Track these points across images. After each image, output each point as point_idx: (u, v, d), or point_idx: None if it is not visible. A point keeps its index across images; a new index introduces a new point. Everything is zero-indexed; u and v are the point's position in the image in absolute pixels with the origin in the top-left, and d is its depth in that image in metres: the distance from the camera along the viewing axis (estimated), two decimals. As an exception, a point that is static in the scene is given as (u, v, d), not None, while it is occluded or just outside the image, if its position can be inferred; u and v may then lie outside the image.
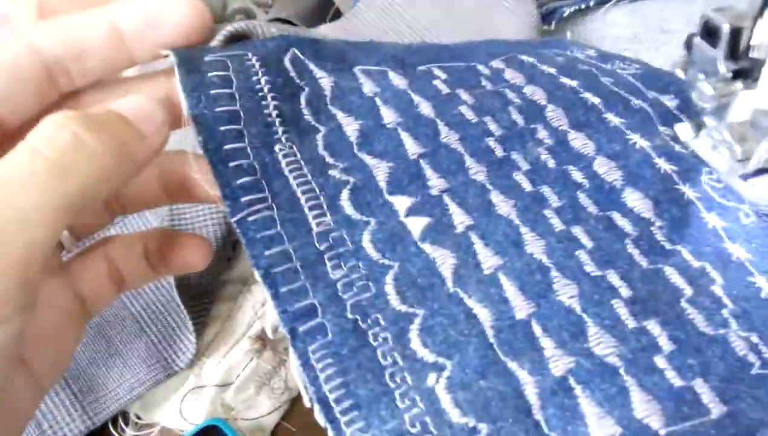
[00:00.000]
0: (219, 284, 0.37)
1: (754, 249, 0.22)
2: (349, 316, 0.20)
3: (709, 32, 0.24)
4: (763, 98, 0.20)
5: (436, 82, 0.26)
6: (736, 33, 0.23)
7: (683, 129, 0.26)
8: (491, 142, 0.24)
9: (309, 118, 0.24)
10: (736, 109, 0.24)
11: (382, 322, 0.20)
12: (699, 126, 0.25)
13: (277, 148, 0.23)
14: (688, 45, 0.25)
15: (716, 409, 0.18)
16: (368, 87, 0.26)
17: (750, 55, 0.21)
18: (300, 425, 0.33)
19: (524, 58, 0.29)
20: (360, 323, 0.20)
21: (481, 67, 0.28)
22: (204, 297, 0.35)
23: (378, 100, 0.25)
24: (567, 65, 0.28)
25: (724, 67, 0.23)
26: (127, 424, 0.33)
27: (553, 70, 0.28)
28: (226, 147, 0.23)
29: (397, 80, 0.26)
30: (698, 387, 0.18)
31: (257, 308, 0.36)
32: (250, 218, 0.22)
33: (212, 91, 0.22)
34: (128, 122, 0.18)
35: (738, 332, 0.20)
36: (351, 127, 0.24)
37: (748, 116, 0.24)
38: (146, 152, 0.19)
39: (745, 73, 0.23)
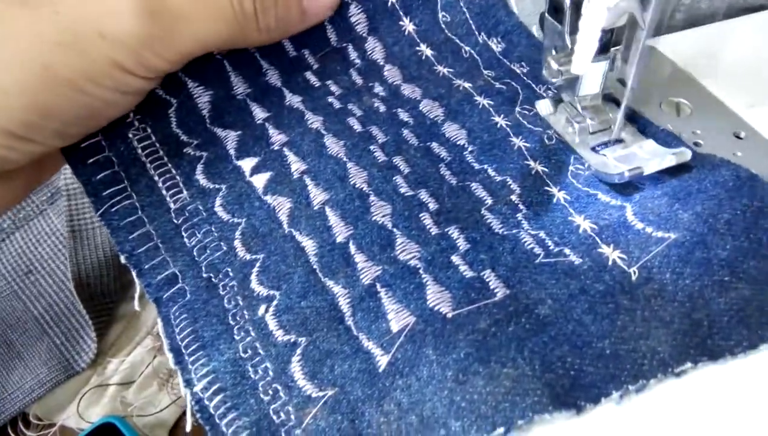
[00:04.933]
0: (124, 284, 0.36)
1: (552, 164, 0.24)
2: (204, 275, 0.22)
3: (556, 8, 0.24)
4: (577, 67, 0.21)
5: (285, 42, 0.27)
6: (578, 7, 0.23)
7: (543, 105, 0.26)
8: (331, 98, 0.26)
9: (159, 91, 0.25)
10: (586, 83, 0.24)
11: (230, 273, 0.22)
12: (557, 102, 0.26)
13: (130, 134, 0.24)
14: (541, 22, 0.25)
15: (500, 292, 0.20)
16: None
17: (577, 24, 0.22)
18: (201, 419, 0.32)
19: None
20: (213, 279, 0.22)
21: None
22: (105, 297, 0.35)
23: (227, 66, 0.26)
24: None
25: (569, 42, 0.24)
26: (27, 426, 0.33)
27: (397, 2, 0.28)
28: (82, 145, 0.24)
29: None
30: (486, 276, 0.20)
31: (162, 306, 0.36)
32: (113, 209, 0.23)
33: None
34: None
35: (528, 231, 0.22)
36: (202, 99, 0.25)
37: (598, 89, 0.25)
38: None
39: (590, 47, 0.24)
